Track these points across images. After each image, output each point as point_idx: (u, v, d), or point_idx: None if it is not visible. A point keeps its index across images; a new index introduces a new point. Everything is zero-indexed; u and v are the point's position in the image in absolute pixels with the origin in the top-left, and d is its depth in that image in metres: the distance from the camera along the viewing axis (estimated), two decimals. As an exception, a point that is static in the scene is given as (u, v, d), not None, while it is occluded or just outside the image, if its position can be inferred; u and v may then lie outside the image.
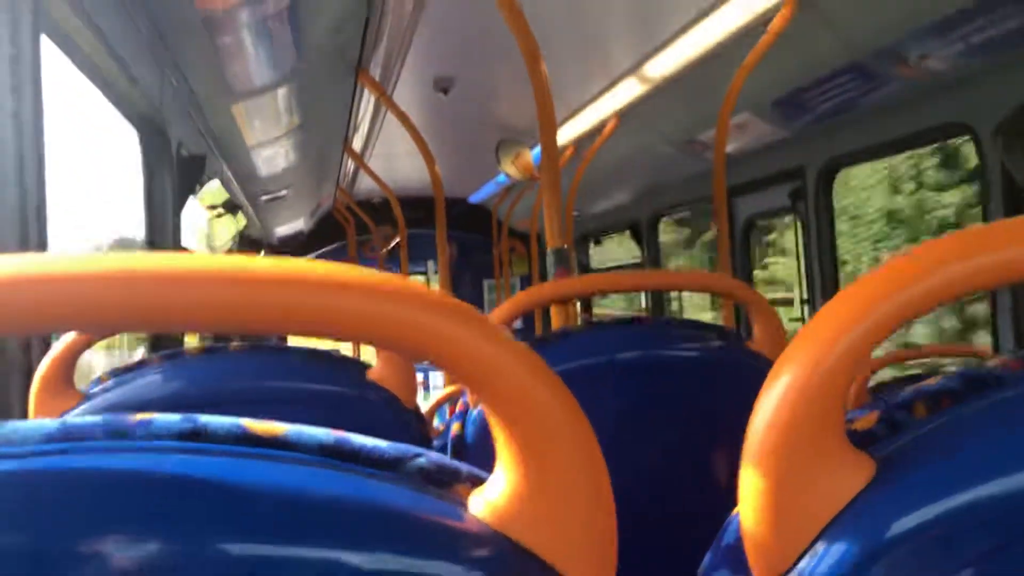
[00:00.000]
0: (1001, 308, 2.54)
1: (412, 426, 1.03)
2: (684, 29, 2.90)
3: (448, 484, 0.39)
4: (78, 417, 0.37)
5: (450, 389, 2.58)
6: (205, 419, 0.37)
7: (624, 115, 3.91)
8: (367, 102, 3.71)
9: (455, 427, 1.08)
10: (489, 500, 0.38)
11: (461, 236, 6.91)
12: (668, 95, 3.52)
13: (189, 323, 0.34)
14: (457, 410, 1.15)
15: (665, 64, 3.24)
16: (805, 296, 3.51)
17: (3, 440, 0.35)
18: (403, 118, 3.37)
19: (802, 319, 3.52)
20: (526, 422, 0.37)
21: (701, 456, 1.09)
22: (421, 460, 0.38)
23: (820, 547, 0.40)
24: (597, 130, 4.16)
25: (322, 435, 0.38)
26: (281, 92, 2.88)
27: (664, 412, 1.13)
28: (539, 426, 0.37)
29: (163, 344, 2.25)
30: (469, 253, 7.25)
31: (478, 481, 0.39)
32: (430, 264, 7.32)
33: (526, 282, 7.27)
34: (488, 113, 4.32)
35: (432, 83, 3.70)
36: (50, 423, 0.36)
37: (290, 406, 0.99)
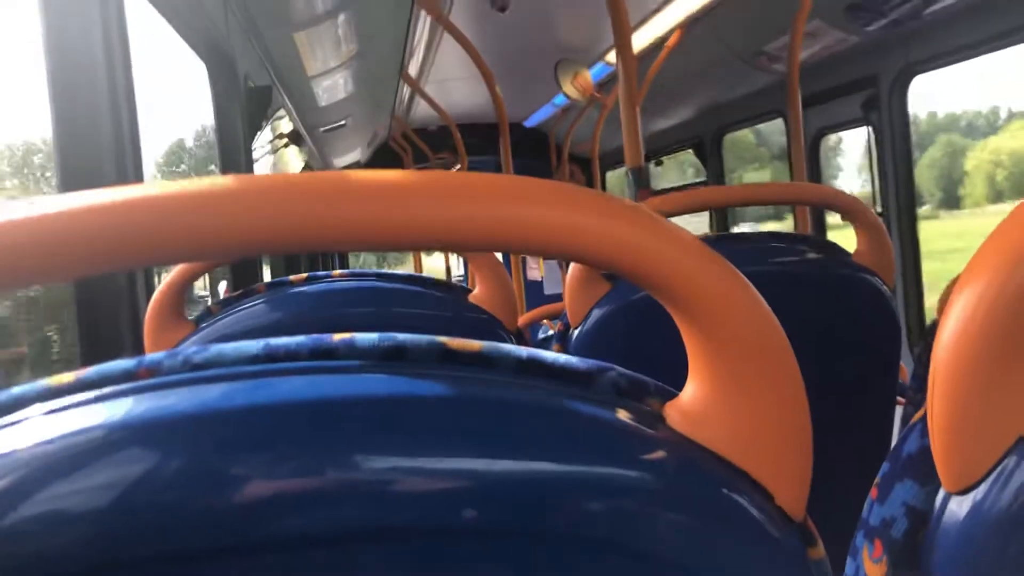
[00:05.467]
0: None
1: None
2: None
3: (640, 397, 0.39)
4: (282, 338, 0.37)
5: (535, 311, 2.55)
6: (403, 337, 0.37)
7: (687, 27, 3.78)
8: (423, 26, 3.65)
9: (555, 348, 1.07)
10: (684, 411, 0.38)
11: (518, 162, 6.80)
12: (734, 4, 3.38)
13: (350, 243, 0.33)
14: (556, 330, 1.14)
15: (732, -29, 3.11)
16: (879, 210, 3.41)
17: (211, 361, 0.35)
18: (462, 39, 3.29)
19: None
20: (723, 332, 0.36)
21: (824, 370, 1.07)
22: (612, 374, 0.38)
23: (1015, 457, 0.39)
24: (658, 46, 4.03)
25: (517, 351, 0.38)
26: (341, 18, 2.85)
27: (786, 327, 1.11)
28: (737, 336, 0.36)
29: (243, 280, 2.29)
30: None
31: (668, 394, 0.39)
32: None
33: None
34: (546, 31, 4.20)
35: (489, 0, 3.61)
36: (252, 344, 0.36)
37: (397, 331, 0.99)
